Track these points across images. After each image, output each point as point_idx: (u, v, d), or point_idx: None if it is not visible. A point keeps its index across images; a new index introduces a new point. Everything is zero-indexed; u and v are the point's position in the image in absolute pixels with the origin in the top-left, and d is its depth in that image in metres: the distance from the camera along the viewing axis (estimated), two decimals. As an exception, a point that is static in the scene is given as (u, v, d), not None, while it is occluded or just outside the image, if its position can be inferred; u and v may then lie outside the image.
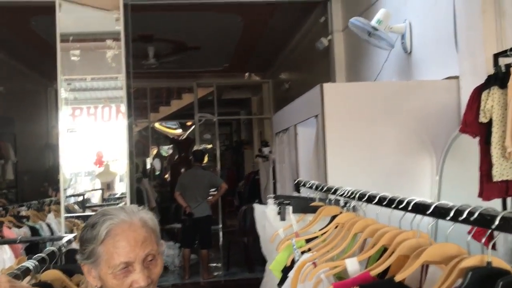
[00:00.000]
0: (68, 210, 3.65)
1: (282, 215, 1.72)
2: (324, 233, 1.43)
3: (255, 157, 8.88)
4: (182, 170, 10.08)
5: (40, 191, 7.34)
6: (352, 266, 1.06)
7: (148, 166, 10.75)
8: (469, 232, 1.53)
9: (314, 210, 1.78)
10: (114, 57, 3.39)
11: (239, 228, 6.72)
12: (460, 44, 3.06)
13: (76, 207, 3.91)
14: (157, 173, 11.18)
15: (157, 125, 11.54)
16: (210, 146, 12.72)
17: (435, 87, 3.09)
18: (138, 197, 6.24)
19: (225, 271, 6.89)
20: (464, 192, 2.79)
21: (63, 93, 3.47)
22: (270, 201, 2.01)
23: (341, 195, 1.49)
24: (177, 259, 7.01)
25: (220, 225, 9.46)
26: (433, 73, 3.57)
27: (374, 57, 4.70)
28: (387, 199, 1.14)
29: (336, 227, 1.40)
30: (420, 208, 1.01)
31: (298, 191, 2.19)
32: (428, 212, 0.95)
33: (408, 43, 3.92)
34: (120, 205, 3.62)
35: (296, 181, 2.21)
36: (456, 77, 3.07)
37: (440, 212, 0.91)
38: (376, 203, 1.21)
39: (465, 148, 2.75)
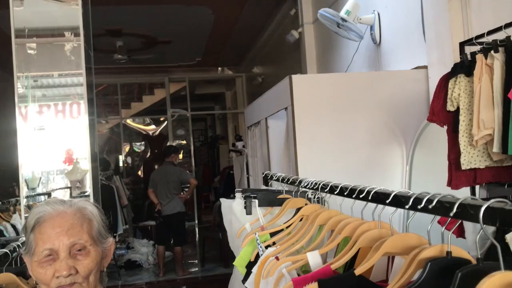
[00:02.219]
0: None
1: (248, 209, 1.67)
2: (289, 226, 1.39)
3: (229, 152, 8.82)
4: (156, 166, 9.96)
5: (9, 192, 7.12)
6: (314, 259, 1.02)
7: (121, 163, 10.57)
8: (439, 222, 1.52)
9: (281, 203, 1.74)
10: (75, 52, 3.28)
11: (213, 224, 6.67)
12: (428, 34, 3.06)
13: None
14: (130, 170, 11.00)
15: (129, 121, 11.35)
16: (184, 142, 12.59)
17: (404, 77, 3.09)
18: (109, 195, 6.12)
19: (201, 267, 6.83)
20: (434, 181, 2.80)
21: (20, 89, 3.35)
22: (238, 195, 1.96)
23: (305, 187, 1.45)
24: (151, 257, 6.91)
25: (196, 221, 9.38)
26: (402, 63, 3.57)
27: (344, 49, 4.69)
28: (348, 189, 1.10)
29: (301, 219, 1.36)
30: (380, 198, 0.97)
31: (267, 184, 2.15)
32: (388, 201, 0.92)
33: (377, 34, 3.91)
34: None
35: (264, 174, 2.16)
36: (425, 67, 3.07)
37: (400, 201, 0.88)
38: (338, 194, 1.18)
39: (435, 137, 2.75)
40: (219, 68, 11.01)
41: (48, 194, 3.89)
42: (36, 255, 1.14)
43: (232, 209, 1.80)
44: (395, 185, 3.00)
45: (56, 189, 4.19)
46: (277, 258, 1.14)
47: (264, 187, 2.14)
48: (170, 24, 7.05)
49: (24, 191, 3.39)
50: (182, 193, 6.60)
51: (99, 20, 6.74)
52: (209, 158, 12.79)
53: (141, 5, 6.30)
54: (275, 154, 3.68)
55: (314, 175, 2.80)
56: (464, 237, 2.16)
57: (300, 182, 1.51)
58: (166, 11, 6.53)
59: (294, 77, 2.93)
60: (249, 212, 1.67)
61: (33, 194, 3.87)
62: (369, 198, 1.01)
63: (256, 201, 1.74)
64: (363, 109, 2.99)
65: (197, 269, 6.90)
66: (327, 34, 5.22)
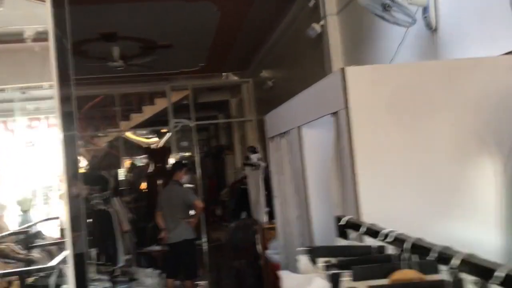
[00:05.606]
0: (3, 254, 2.71)
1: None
2: None
3: (242, 165, 8.00)
4: (158, 182, 9.23)
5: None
6: None
7: (120, 179, 9.73)
8: None
9: (385, 274, 0.98)
10: (44, 60, 2.52)
11: (228, 248, 5.84)
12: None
13: (18, 248, 2.97)
14: (131, 186, 10.13)
15: (129, 134, 10.57)
16: (188, 154, 11.82)
17: (495, 66, 2.29)
18: (106, 222, 5.33)
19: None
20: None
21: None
22: (303, 259, 1.17)
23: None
24: (157, 289, 6.06)
25: (205, 239, 8.55)
26: (473, 51, 2.79)
27: (383, 40, 3.91)
28: None
29: None
30: None
31: (345, 236, 1.35)
32: None
33: (433, 18, 3.14)
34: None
35: (339, 220, 1.35)
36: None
37: None
38: None
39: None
40: (224, 74, 10.27)
41: (25, 232, 3.10)
42: None
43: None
44: (489, 211, 2.20)
45: (39, 222, 3.44)
46: None
47: (341, 241, 1.34)
48: (170, 25, 6.30)
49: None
50: (190, 218, 5.75)
51: (91, 23, 5.99)
52: (214, 170, 11.98)
53: (136, 2, 5.53)
54: (313, 172, 2.88)
55: (380, 202, 2.01)
56: None
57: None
58: (165, 8, 5.77)
59: (348, 69, 2.13)
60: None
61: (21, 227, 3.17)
62: None
63: (349, 274, 0.95)
64: (442, 110, 2.19)
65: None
66: (356, 24, 4.45)
